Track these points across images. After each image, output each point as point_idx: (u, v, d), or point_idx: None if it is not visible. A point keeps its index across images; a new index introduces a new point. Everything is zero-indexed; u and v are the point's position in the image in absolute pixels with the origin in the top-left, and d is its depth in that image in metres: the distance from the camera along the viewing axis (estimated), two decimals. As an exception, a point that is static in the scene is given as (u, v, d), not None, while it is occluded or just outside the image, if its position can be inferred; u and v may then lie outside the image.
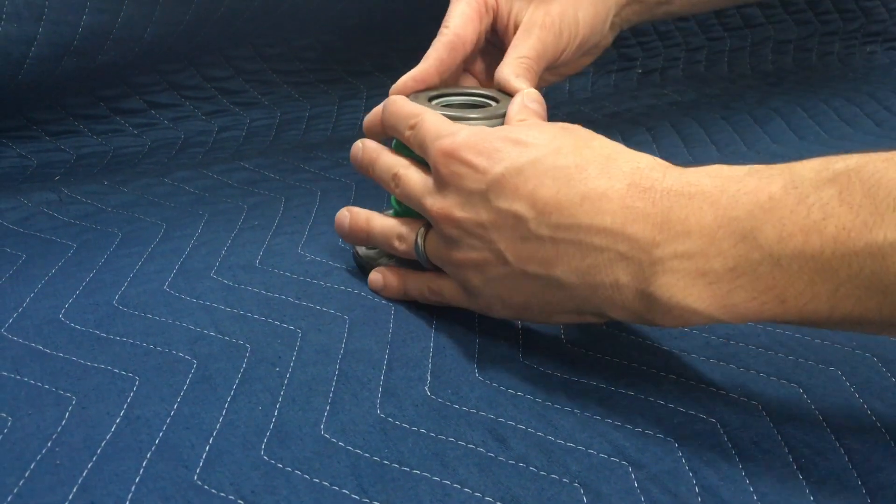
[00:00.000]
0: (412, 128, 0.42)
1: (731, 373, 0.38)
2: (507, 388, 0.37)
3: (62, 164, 0.63)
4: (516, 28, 0.54)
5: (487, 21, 0.54)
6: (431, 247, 0.40)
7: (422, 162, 0.41)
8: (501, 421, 0.35)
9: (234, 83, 0.71)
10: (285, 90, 0.74)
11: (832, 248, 0.28)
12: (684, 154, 0.66)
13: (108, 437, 0.33)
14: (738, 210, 0.31)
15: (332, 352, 0.39)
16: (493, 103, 0.46)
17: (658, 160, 0.35)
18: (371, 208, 0.53)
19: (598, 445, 0.34)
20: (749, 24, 0.93)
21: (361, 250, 0.47)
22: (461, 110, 0.44)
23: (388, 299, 0.44)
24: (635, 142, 0.68)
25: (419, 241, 0.41)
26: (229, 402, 0.36)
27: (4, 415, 0.35)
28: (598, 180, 0.34)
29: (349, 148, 0.66)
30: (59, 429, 0.34)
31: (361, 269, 0.47)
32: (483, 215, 0.37)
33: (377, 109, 0.49)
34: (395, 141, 0.46)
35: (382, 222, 0.44)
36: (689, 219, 0.32)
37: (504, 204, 0.36)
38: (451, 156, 0.38)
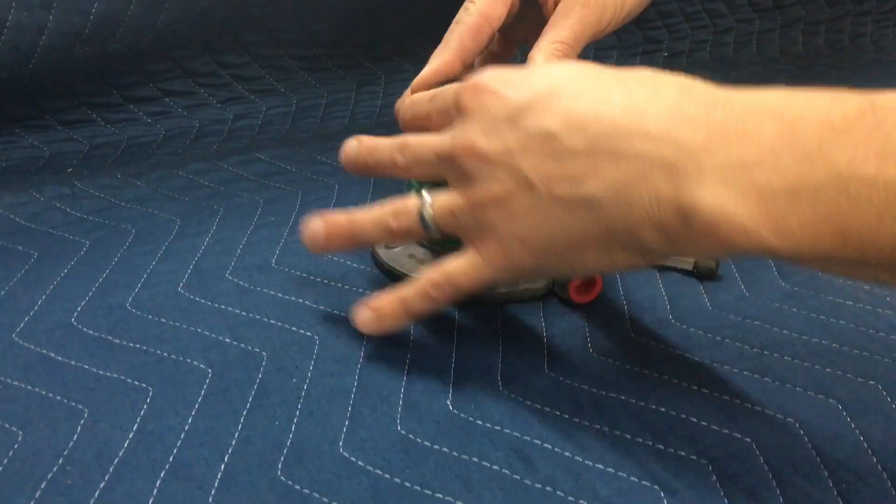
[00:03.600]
0: (432, 98, 0.39)
1: (766, 387, 0.37)
2: (533, 403, 0.36)
3: (75, 154, 0.61)
4: (557, 1, 0.48)
5: None
6: (440, 204, 0.35)
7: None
8: (527, 439, 0.33)
9: (249, 70, 0.70)
10: (302, 76, 0.72)
11: None
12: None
13: (120, 454, 0.32)
14: (806, 126, 0.27)
15: (351, 361, 0.38)
16: None
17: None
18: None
19: (629, 468, 0.32)
20: (779, 5, 0.90)
21: (381, 251, 0.45)
22: None
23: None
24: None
25: (426, 205, 0.36)
26: (245, 415, 0.35)
27: (15, 429, 0.34)
28: (642, 91, 0.31)
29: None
30: (70, 444, 0.33)
31: (380, 269, 0.45)
32: (510, 140, 0.33)
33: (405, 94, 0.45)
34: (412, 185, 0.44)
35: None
36: (747, 129, 0.28)
37: (534, 122, 0.32)
38: (479, 88, 0.35)
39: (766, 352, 0.39)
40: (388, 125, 0.68)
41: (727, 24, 0.88)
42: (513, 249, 0.34)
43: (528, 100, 0.33)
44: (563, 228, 0.32)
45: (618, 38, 0.84)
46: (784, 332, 0.41)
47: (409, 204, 0.37)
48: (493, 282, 0.36)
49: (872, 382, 0.37)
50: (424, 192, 0.36)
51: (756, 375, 0.37)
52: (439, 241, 0.40)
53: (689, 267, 0.45)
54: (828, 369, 0.38)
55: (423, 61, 0.48)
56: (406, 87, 0.76)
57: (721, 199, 0.27)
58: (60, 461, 0.32)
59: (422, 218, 0.36)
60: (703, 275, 0.45)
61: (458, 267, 0.35)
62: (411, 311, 0.37)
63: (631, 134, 0.30)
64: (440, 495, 0.31)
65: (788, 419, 0.35)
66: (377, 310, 0.38)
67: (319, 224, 0.39)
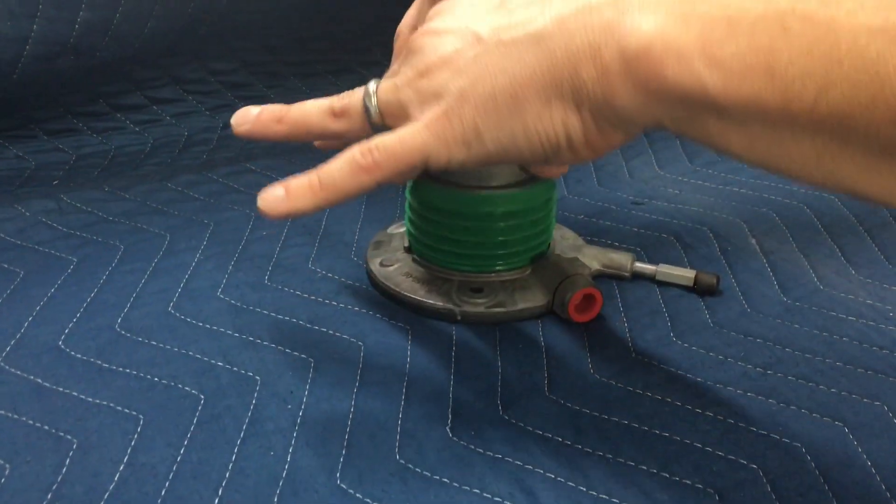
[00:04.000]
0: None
1: (770, 409, 0.36)
2: (534, 429, 0.35)
3: (61, 164, 0.60)
4: None
5: None
6: (385, 83, 0.35)
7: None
8: (529, 468, 0.33)
9: (238, 76, 0.69)
10: (292, 82, 0.71)
11: (846, 20, 0.25)
12: (709, 153, 0.63)
13: (111, 489, 0.31)
14: None
15: (347, 385, 0.37)
16: None
17: None
18: (384, 216, 0.51)
19: (633, 498, 0.31)
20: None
21: (377, 269, 0.45)
22: None
23: (402, 321, 0.41)
24: (659, 139, 0.66)
25: (370, 86, 0.35)
26: (239, 445, 0.34)
27: (2, 461, 0.33)
28: None
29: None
30: (59, 478, 0.32)
31: (376, 288, 0.44)
32: (465, 9, 0.34)
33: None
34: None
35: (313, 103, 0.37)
36: None
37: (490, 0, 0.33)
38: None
39: (769, 371, 0.38)
40: (381, 132, 0.67)
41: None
42: (453, 109, 0.33)
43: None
44: (506, 75, 0.32)
45: None
46: (787, 350, 0.40)
47: (356, 90, 0.36)
48: (429, 152, 0.33)
49: (878, 403, 0.36)
50: (373, 81, 0.35)
51: (760, 397, 0.37)
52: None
53: (690, 283, 0.44)
54: (833, 389, 0.37)
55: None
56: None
57: (660, 21, 0.28)
58: (49, 496, 0.31)
59: (363, 101, 0.35)
60: (704, 290, 0.44)
61: (393, 133, 0.34)
62: (331, 186, 0.33)
63: None
64: (441, 530, 0.30)
65: (795, 443, 0.34)
66: (288, 186, 0.34)
67: (254, 107, 0.37)
